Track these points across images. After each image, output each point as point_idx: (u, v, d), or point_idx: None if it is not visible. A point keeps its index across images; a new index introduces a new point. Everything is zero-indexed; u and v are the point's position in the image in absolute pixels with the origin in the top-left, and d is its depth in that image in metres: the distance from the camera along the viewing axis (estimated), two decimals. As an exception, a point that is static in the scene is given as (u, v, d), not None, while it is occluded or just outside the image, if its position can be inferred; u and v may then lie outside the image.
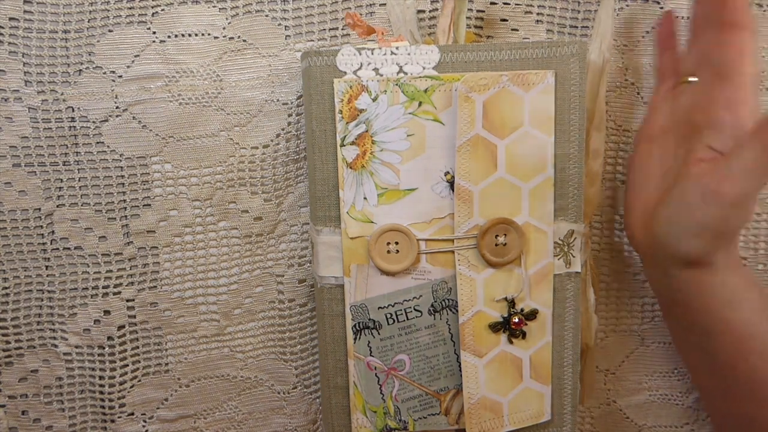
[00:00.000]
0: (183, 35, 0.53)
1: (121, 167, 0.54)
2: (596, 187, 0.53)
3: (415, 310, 0.48)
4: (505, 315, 0.48)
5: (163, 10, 0.52)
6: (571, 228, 0.49)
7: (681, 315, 0.52)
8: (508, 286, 0.48)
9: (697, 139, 0.49)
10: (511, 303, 0.48)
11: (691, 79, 0.51)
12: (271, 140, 0.55)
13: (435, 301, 0.48)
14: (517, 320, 0.48)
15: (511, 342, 0.49)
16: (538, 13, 0.55)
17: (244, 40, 0.53)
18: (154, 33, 0.52)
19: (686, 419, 0.62)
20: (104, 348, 0.56)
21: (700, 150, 0.48)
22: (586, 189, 0.50)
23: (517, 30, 0.55)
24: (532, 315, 0.49)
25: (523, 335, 0.49)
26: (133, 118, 0.53)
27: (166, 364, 0.57)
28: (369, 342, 0.48)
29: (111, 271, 0.55)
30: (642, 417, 0.62)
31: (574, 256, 0.49)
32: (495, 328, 0.48)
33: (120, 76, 0.52)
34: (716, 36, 0.49)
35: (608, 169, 0.57)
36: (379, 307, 0.48)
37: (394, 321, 0.48)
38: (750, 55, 0.48)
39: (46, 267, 0.54)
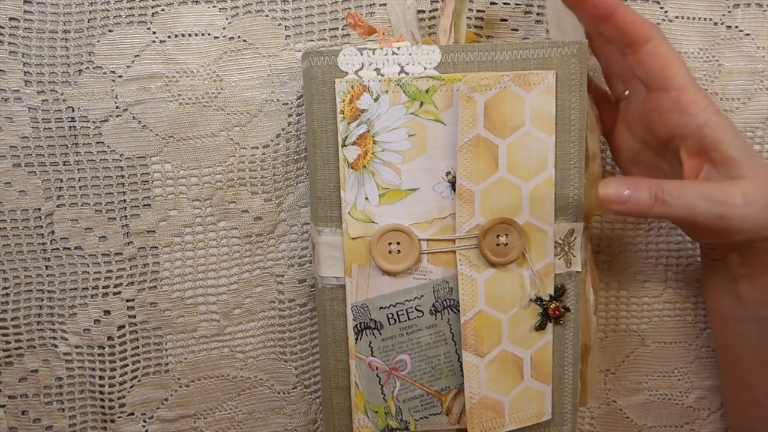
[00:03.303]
0: (183, 35, 0.53)
1: (121, 167, 0.54)
2: (596, 188, 0.53)
3: (416, 310, 0.48)
4: (541, 311, 0.49)
5: (163, 10, 0.52)
6: (572, 227, 0.49)
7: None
8: (522, 287, 0.48)
9: (672, 153, 0.48)
10: (537, 299, 0.49)
11: (626, 93, 0.51)
12: (271, 140, 0.55)
13: (436, 301, 0.48)
14: (553, 307, 0.49)
15: (560, 323, 0.50)
16: (538, 13, 0.55)
17: (244, 40, 0.53)
18: (154, 33, 0.52)
19: (686, 419, 0.63)
20: (104, 348, 0.56)
21: (686, 164, 0.47)
22: (587, 190, 0.50)
23: (517, 30, 0.55)
24: (560, 291, 0.49)
25: (567, 309, 0.49)
26: (133, 118, 0.53)
27: (166, 364, 0.57)
28: (370, 342, 0.48)
29: (111, 271, 0.55)
30: (642, 417, 0.62)
31: (574, 256, 0.49)
32: (541, 326, 0.49)
33: (120, 76, 0.52)
34: (628, 56, 0.47)
35: (608, 170, 0.58)
36: (380, 308, 0.48)
37: (395, 321, 0.48)
38: (670, 58, 0.46)
39: (46, 267, 0.54)
